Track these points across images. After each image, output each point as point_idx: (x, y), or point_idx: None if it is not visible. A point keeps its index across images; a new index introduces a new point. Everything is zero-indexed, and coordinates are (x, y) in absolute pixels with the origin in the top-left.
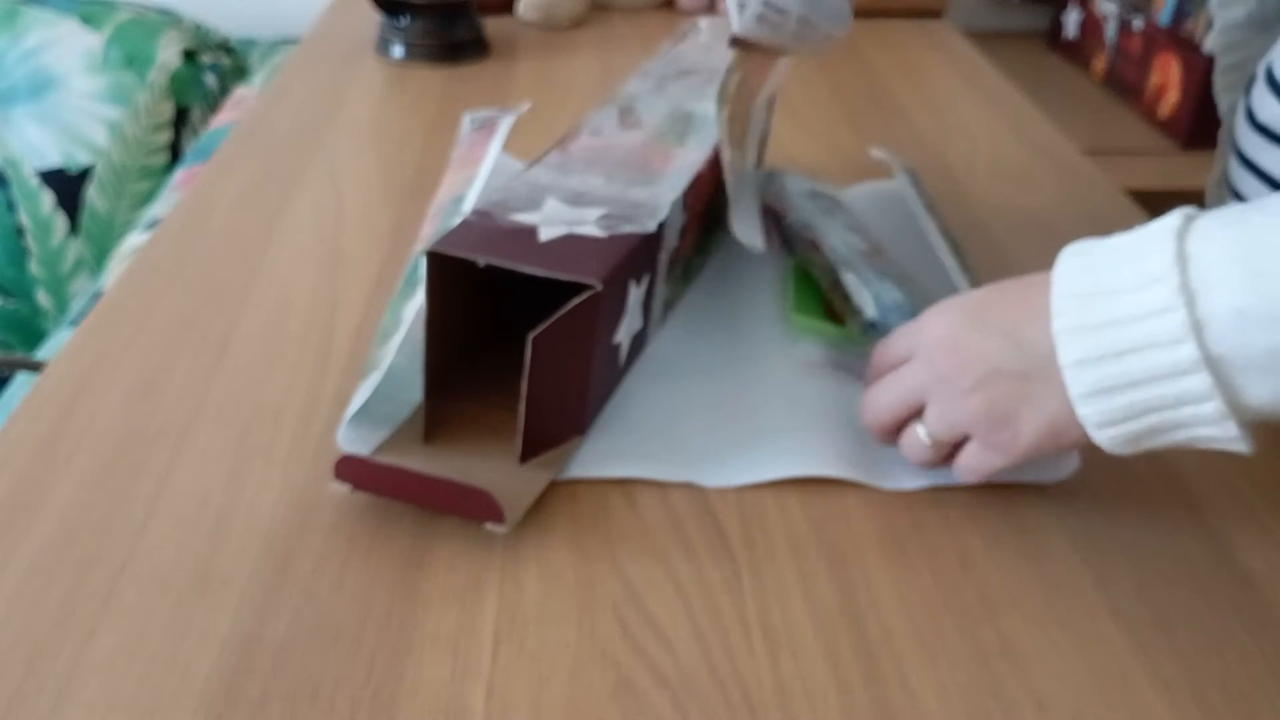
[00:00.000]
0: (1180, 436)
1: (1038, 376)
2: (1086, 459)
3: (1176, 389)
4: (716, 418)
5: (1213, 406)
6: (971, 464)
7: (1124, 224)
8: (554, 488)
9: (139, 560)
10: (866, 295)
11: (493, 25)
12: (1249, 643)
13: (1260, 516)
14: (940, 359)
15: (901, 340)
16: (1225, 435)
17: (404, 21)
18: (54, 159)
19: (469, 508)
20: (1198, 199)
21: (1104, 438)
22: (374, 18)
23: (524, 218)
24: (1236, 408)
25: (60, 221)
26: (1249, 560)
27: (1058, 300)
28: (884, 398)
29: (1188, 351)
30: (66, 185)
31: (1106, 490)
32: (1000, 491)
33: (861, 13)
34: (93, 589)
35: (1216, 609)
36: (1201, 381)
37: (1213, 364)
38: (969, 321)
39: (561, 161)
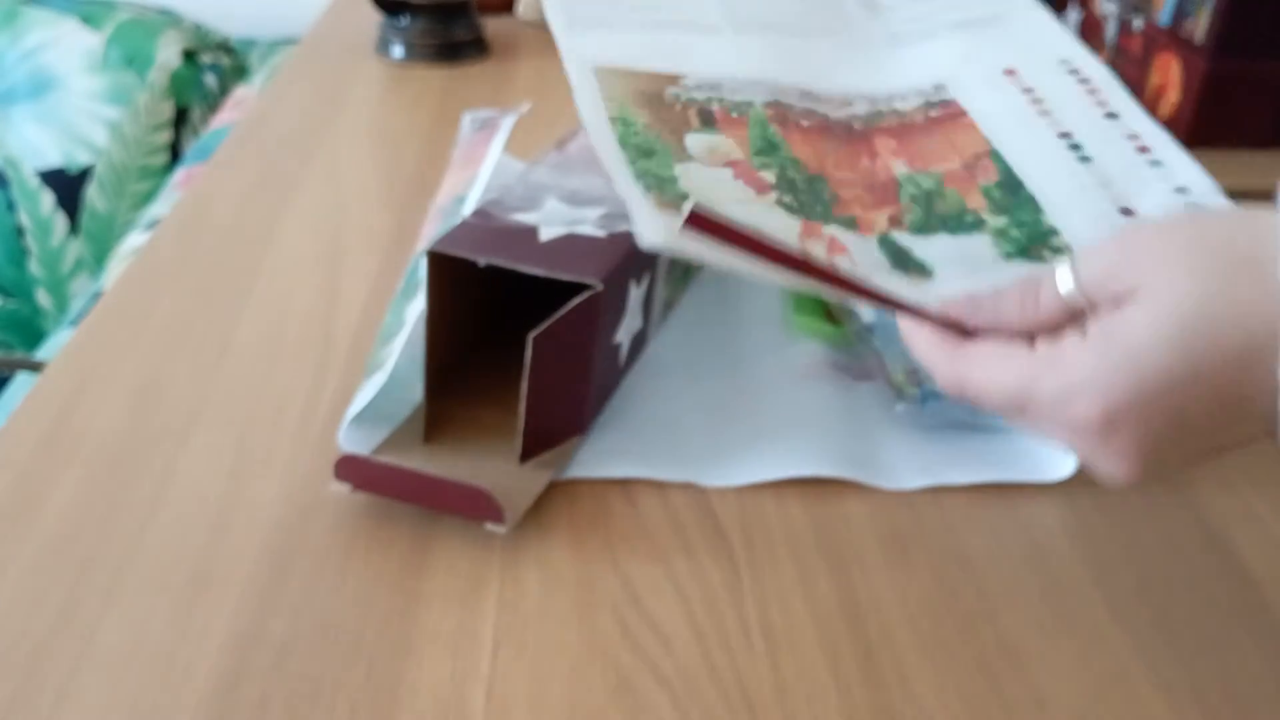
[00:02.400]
0: None
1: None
2: None
3: None
4: (716, 418)
5: None
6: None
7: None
8: (554, 488)
9: (139, 560)
10: None
11: (493, 25)
12: (1249, 643)
13: (1261, 517)
14: (1113, 467)
15: (1028, 417)
16: None
17: (404, 21)
18: (54, 159)
19: (469, 508)
20: None
21: None
22: (374, 18)
23: (524, 217)
24: None
25: (60, 221)
26: (1249, 561)
27: None
28: (988, 401)
29: None
30: (66, 185)
31: (1106, 490)
32: (1000, 491)
33: None
34: (93, 589)
35: (1216, 609)
36: None
37: None
38: (1158, 432)
39: (561, 161)
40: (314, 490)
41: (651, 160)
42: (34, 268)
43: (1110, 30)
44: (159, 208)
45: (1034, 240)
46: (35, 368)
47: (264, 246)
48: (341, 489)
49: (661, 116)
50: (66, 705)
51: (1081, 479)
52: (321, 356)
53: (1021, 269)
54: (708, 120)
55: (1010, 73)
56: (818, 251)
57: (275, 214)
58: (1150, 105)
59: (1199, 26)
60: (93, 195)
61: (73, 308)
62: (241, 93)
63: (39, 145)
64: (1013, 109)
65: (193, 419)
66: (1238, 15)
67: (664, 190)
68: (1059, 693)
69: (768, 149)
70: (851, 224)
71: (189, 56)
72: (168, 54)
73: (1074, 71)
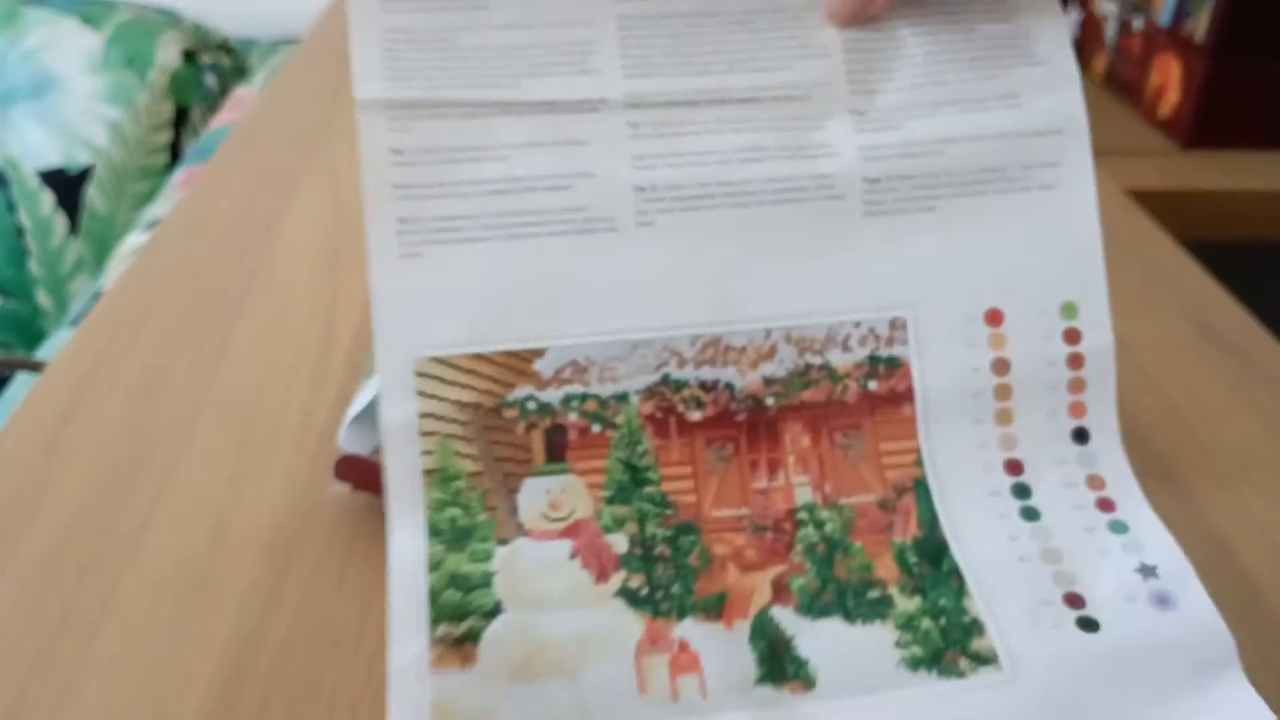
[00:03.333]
0: None
1: None
2: None
3: None
4: None
5: None
6: None
7: (1124, 224)
8: None
9: (139, 561)
10: None
11: None
12: (1248, 645)
13: (1260, 518)
14: None
15: None
16: None
17: None
18: (54, 159)
19: None
20: (1197, 199)
21: None
22: None
23: None
24: None
25: (60, 221)
26: (1249, 562)
27: None
28: None
29: None
30: (66, 185)
31: None
32: None
33: None
34: (93, 590)
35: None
36: None
37: None
38: None
39: None
40: (314, 490)
41: (462, 553)
42: (34, 268)
43: (1110, 30)
44: (159, 208)
45: (951, 641)
46: (35, 368)
47: (264, 246)
48: (341, 489)
49: (495, 453)
50: (66, 706)
51: None
52: (321, 357)
53: (928, 688)
54: (556, 449)
55: (993, 318)
56: (656, 678)
57: (275, 214)
58: (1150, 105)
59: (1199, 26)
60: (93, 195)
61: (73, 308)
62: (241, 93)
63: (39, 145)
64: (960, 399)
65: (193, 419)
66: (1238, 15)
67: (460, 617)
68: None
69: (628, 488)
70: (717, 607)
71: (189, 56)
72: (168, 54)
73: (1062, 336)
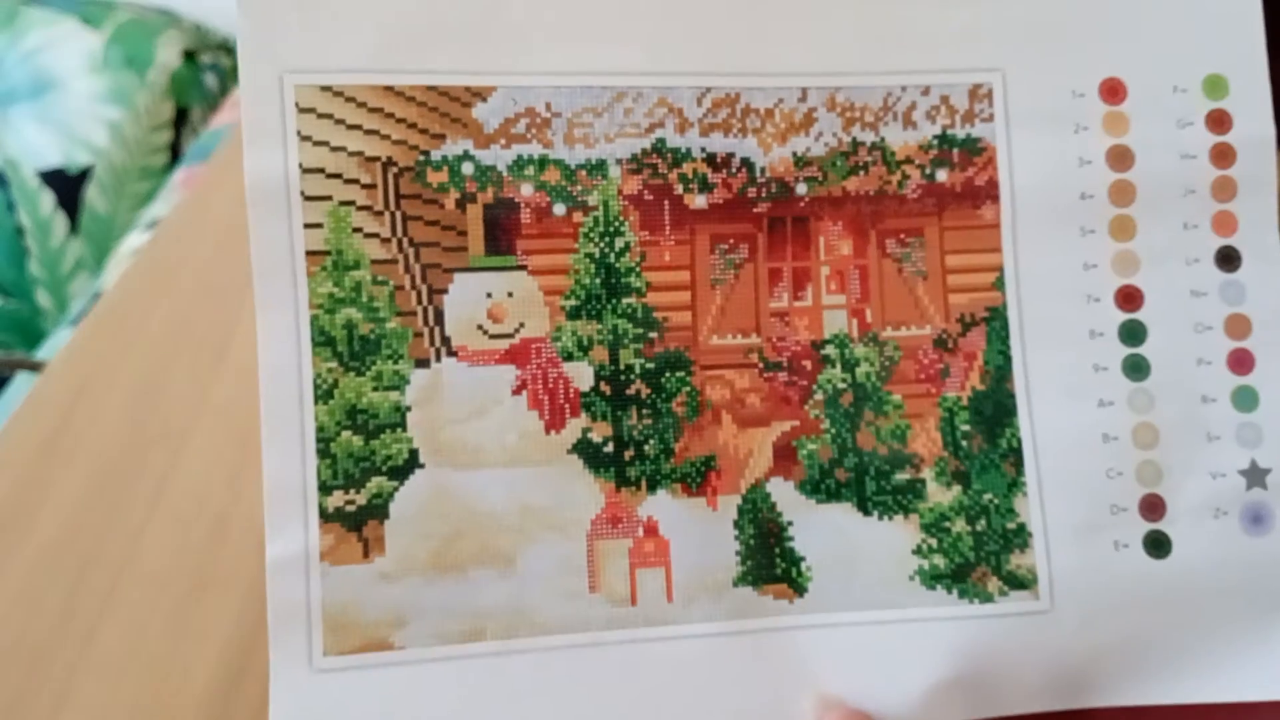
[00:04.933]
0: None
1: None
2: None
3: None
4: None
5: None
6: None
7: None
8: None
9: (139, 561)
10: None
11: None
12: None
13: None
14: None
15: None
16: None
17: None
18: (54, 159)
19: None
20: None
21: None
22: None
23: None
24: None
25: (60, 221)
26: None
27: None
28: None
29: None
30: (66, 185)
31: None
32: None
33: None
34: (92, 590)
35: None
36: None
37: None
38: None
39: None
40: None
41: (364, 377)
42: (34, 268)
43: None
44: (159, 208)
45: (984, 554)
46: (35, 368)
47: None
48: None
49: (413, 234)
50: (66, 707)
51: None
52: None
53: (942, 610)
54: (502, 235)
55: (1111, 92)
56: (611, 571)
57: None
58: None
59: None
60: (93, 195)
61: (73, 308)
62: None
63: (39, 145)
64: (1063, 200)
65: (192, 419)
66: None
67: (360, 478)
68: None
69: (599, 296)
70: (700, 476)
71: (189, 57)
72: (168, 54)
73: (1205, 121)
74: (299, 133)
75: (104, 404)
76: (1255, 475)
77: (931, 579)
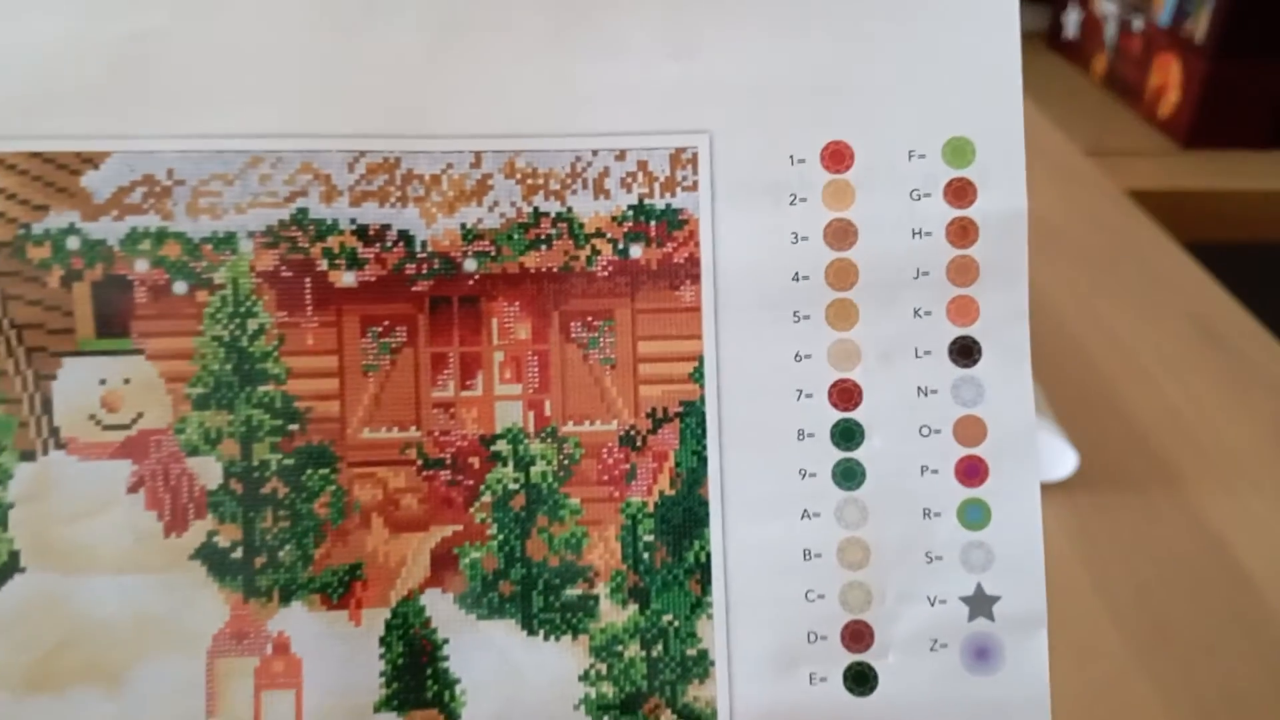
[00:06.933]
0: None
1: None
2: (1086, 459)
3: None
4: None
5: None
6: None
7: (1125, 225)
8: None
9: None
10: None
11: None
12: (1248, 647)
13: (1260, 519)
14: None
15: None
16: None
17: None
18: None
19: None
20: (1197, 199)
21: None
22: None
23: None
24: None
25: None
26: (1249, 563)
27: None
28: None
29: None
30: None
31: (1106, 490)
32: None
33: None
34: None
35: (1216, 613)
36: None
37: None
38: None
39: None
40: None
41: None
42: None
43: (1110, 30)
44: None
45: (658, 684)
46: None
47: None
48: None
49: (14, 315)
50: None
51: (1080, 479)
52: None
53: None
54: (114, 316)
55: (835, 158)
56: (233, 694)
57: None
58: (1150, 105)
59: (1199, 26)
60: None
61: None
62: None
63: None
64: (774, 281)
65: None
66: (1238, 15)
67: None
68: (1056, 695)
69: (230, 384)
70: (343, 587)
71: None
72: None
73: (944, 192)
74: None
75: None
76: (981, 603)
77: (599, 709)
